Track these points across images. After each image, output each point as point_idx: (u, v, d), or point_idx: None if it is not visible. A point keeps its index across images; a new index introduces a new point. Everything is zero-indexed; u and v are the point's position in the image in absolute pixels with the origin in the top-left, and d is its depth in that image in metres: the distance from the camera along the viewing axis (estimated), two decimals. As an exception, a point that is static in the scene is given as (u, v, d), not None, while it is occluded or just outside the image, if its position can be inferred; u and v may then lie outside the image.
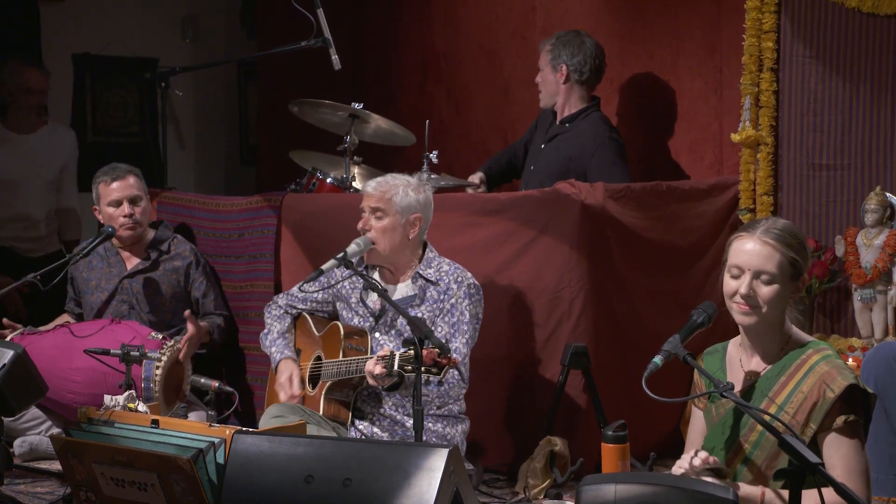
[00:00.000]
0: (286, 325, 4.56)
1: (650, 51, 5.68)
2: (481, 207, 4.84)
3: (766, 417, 2.85)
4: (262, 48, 7.50)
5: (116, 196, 5.12)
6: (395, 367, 3.83)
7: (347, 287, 4.42)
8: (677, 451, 4.63)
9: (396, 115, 5.61)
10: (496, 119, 6.44)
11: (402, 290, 4.36)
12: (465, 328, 4.25)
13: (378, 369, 3.92)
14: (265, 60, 7.56)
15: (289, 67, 7.25)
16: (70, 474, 3.49)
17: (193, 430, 3.39)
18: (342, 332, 4.29)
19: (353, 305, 4.41)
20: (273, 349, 4.50)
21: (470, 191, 5.61)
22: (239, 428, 3.27)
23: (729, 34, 5.20)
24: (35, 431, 4.84)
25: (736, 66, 5.00)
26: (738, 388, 3.08)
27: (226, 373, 5.28)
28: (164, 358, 4.64)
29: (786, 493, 2.83)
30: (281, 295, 4.65)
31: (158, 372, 4.61)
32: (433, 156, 5.19)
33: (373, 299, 4.36)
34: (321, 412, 4.25)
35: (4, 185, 6.31)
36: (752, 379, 3.08)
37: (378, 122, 5.39)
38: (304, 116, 5.59)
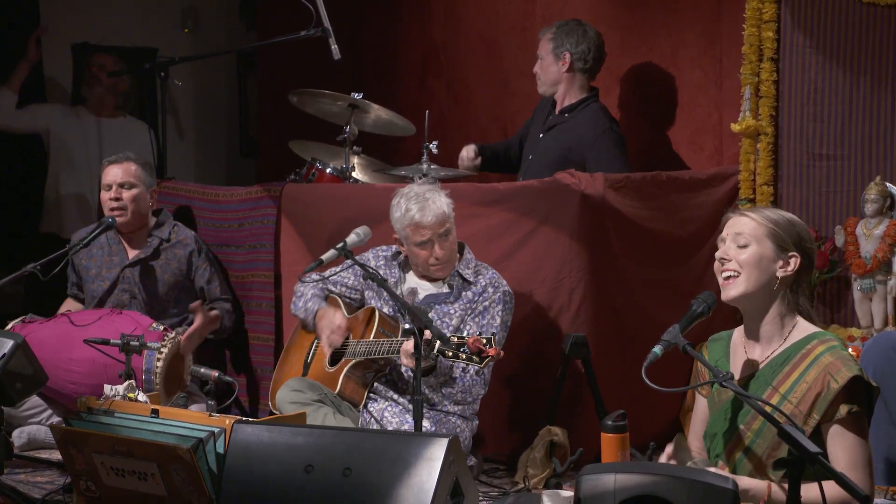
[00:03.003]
0: (319, 290, 4.56)
1: (650, 41, 5.67)
2: (481, 198, 4.83)
3: (767, 408, 2.85)
4: (262, 38, 7.49)
5: (109, 180, 5.14)
6: (434, 351, 3.85)
7: (380, 275, 4.43)
8: (677, 441, 4.66)
9: (396, 109, 5.60)
10: (496, 111, 6.42)
11: (434, 286, 4.39)
12: (494, 332, 4.27)
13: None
14: (265, 51, 7.54)
15: (288, 58, 7.24)
16: (70, 464, 3.50)
17: (193, 419, 3.39)
18: (377, 315, 4.32)
19: (384, 296, 4.42)
20: (309, 304, 4.51)
21: (465, 164, 5.59)
22: (239, 417, 3.27)
23: (729, 24, 5.20)
24: (36, 420, 4.84)
25: (736, 56, 4.99)
26: (740, 375, 3.08)
27: (228, 361, 5.28)
28: (166, 349, 4.63)
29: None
30: (312, 274, 4.62)
31: (159, 364, 4.61)
32: (433, 146, 5.18)
33: (403, 293, 4.38)
34: (338, 389, 4.28)
35: (70, 166, 6.33)
36: (754, 367, 3.08)
37: (378, 112, 5.38)
38: (304, 107, 5.58)
